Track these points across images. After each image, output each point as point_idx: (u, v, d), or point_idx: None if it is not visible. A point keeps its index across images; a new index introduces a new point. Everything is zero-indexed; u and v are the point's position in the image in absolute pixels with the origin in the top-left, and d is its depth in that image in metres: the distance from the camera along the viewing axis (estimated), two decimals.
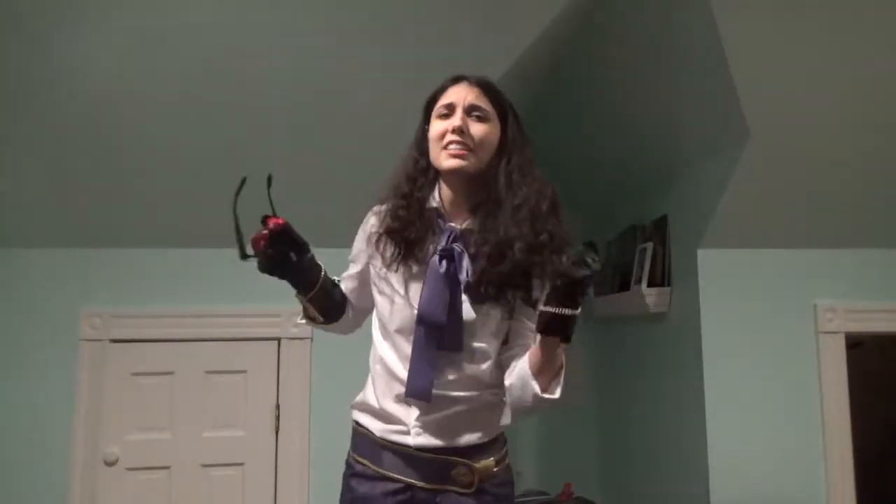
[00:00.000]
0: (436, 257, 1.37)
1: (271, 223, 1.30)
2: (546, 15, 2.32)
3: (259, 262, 1.33)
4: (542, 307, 1.20)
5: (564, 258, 1.19)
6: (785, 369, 2.57)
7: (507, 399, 1.37)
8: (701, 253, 2.57)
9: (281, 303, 2.71)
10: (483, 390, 1.39)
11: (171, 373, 2.79)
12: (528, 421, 3.49)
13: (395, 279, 1.40)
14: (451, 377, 1.36)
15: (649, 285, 2.80)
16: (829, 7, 2.10)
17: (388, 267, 1.40)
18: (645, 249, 2.88)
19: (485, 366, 1.38)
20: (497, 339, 1.39)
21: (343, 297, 1.53)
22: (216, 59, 2.31)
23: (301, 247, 1.37)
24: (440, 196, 1.43)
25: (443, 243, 1.38)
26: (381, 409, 1.40)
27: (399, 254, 1.39)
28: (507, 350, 1.40)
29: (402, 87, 2.11)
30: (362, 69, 2.37)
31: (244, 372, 2.84)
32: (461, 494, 1.36)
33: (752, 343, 2.56)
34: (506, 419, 1.45)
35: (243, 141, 2.49)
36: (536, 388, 1.27)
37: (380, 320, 1.45)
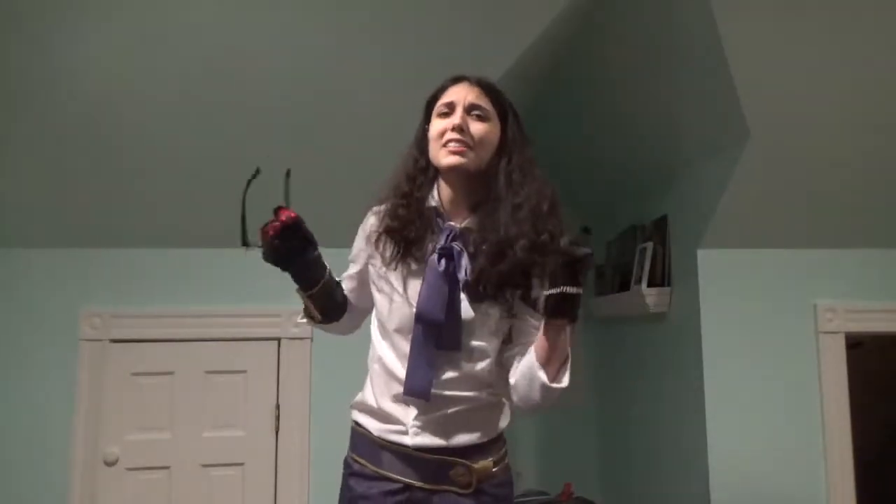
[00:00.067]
0: (435, 256, 1.37)
1: (284, 215, 1.31)
2: (546, 15, 2.32)
3: (264, 252, 1.33)
4: (546, 291, 1.21)
5: (564, 240, 1.21)
6: (785, 369, 2.57)
7: (514, 398, 1.36)
8: (701, 253, 2.57)
9: (281, 303, 2.75)
10: (482, 390, 1.39)
11: (171, 373, 2.79)
12: (528, 421, 3.49)
13: (394, 278, 1.40)
14: (449, 376, 1.35)
15: (649, 285, 2.80)
16: (829, 7, 2.10)
17: (387, 266, 1.40)
18: (645, 249, 2.88)
19: (483, 364, 1.37)
20: (496, 338, 1.39)
21: (344, 298, 1.53)
22: (216, 59, 2.31)
23: (309, 243, 1.37)
24: (439, 195, 1.43)
25: (442, 242, 1.38)
26: (380, 409, 1.40)
27: (398, 252, 1.39)
28: (509, 349, 1.40)
29: (402, 87, 2.11)
30: (362, 69, 2.37)
31: (244, 372, 2.84)
32: (459, 495, 1.36)
33: (752, 343, 2.56)
34: (505, 420, 1.46)
35: (243, 141, 2.49)
36: (544, 377, 1.27)
37: (379, 320, 1.45)
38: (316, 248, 1.40)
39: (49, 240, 2.72)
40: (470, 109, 1.39)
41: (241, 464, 2.80)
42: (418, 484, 1.36)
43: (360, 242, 1.51)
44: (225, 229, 2.70)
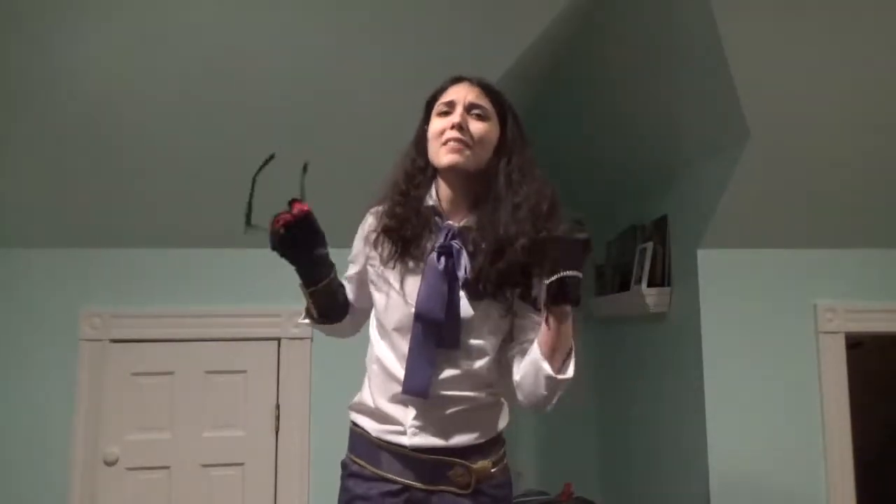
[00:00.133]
0: (434, 254, 1.37)
1: (296, 209, 1.32)
2: (546, 15, 2.32)
3: (271, 241, 1.33)
4: (545, 280, 1.22)
5: (562, 227, 1.23)
6: (785, 369, 2.57)
7: (520, 395, 1.36)
8: (701, 253, 2.57)
9: (281, 303, 2.75)
10: (481, 390, 1.39)
11: (171, 373, 2.79)
12: (529, 421, 3.49)
13: (393, 277, 1.40)
14: (448, 375, 1.35)
15: (649, 285, 2.80)
16: (829, 7, 2.10)
17: (385, 265, 1.41)
18: (645, 249, 2.88)
19: (482, 363, 1.37)
20: (495, 336, 1.39)
21: (346, 301, 1.53)
22: (216, 59, 2.31)
23: (317, 239, 1.37)
24: (437, 194, 1.43)
25: (440, 241, 1.38)
26: (377, 409, 1.40)
27: (396, 251, 1.40)
28: (510, 349, 1.40)
29: (402, 87, 2.11)
30: (362, 69, 2.37)
31: (244, 372, 2.84)
32: (458, 495, 1.36)
33: (752, 343, 2.56)
34: (503, 420, 1.45)
35: (243, 141, 2.49)
36: (549, 369, 1.26)
37: (378, 319, 1.45)
38: (324, 246, 1.40)
39: (49, 240, 2.72)
40: (470, 109, 1.39)
41: (241, 464, 2.80)
42: (417, 484, 1.36)
43: (358, 243, 1.51)
44: (225, 229, 2.73)
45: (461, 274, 1.35)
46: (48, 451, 2.65)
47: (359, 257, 1.51)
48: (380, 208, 1.46)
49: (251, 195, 1.32)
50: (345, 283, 1.55)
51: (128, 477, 2.71)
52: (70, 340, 2.72)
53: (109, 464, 2.70)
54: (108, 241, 2.75)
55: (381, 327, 1.43)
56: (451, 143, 1.36)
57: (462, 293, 1.35)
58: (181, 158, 2.55)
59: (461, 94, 1.40)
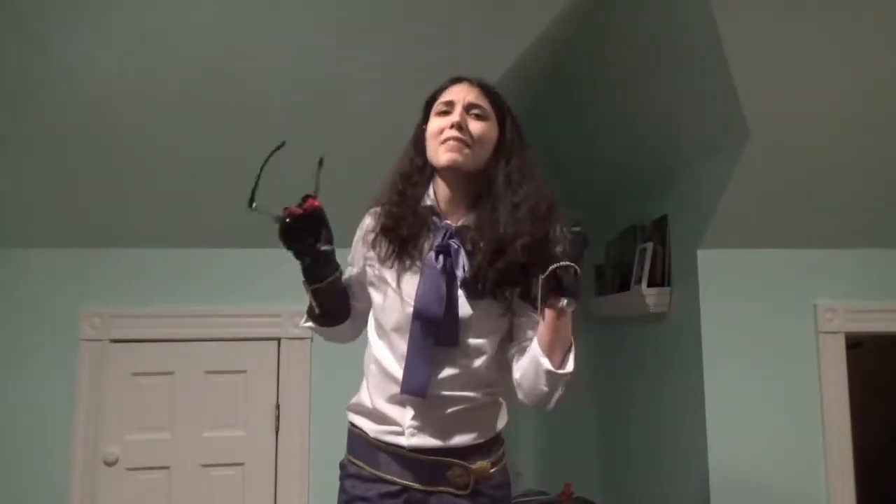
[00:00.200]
0: (432, 253, 1.37)
1: (307, 204, 1.34)
2: (546, 15, 2.32)
3: (280, 228, 1.34)
4: (542, 275, 1.23)
5: (558, 226, 1.25)
6: (785, 369, 2.57)
7: (520, 394, 1.36)
8: (701, 253, 2.57)
9: (281, 303, 2.75)
10: (479, 390, 1.39)
11: (171, 373, 2.79)
12: (529, 421, 3.49)
13: (391, 276, 1.40)
14: (446, 375, 1.35)
15: (649, 285, 2.80)
16: (829, 7, 2.10)
17: (383, 264, 1.41)
18: (645, 249, 2.88)
19: (480, 362, 1.37)
20: (494, 336, 1.39)
21: (348, 303, 1.51)
22: (216, 59, 2.31)
23: (323, 236, 1.38)
24: (435, 194, 1.43)
25: (438, 240, 1.38)
26: (375, 410, 1.40)
27: (394, 251, 1.40)
28: (510, 348, 1.40)
29: (402, 87, 2.10)
30: (362, 69, 2.37)
31: (244, 372, 2.84)
32: (456, 496, 1.35)
33: (752, 343, 2.56)
34: (502, 420, 1.45)
35: (243, 141, 2.49)
36: (548, 364, 1.26)
37: (376, 320, 1.45)
38: (330, 244, 1.39)
39: (49, 240, 2.71)
40: (469, 108, 1.39)
41: (241, 464, 2.80)
42: (415, 485, 1.36)
43: (357, 244, 1.51)
44: (225, 229, 2.73)
45: (459, 273, 1.35)
46: (48, 451, 2.65)
47: (357, 259, 1.51)
48: (377, 209, 1.46)
49: (258, 177, 1.34)
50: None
51: (128, 477, 2.71)
52: (70, 340, 2.72)
53: (109, 464, 2.70)
54: (108, 241, 2.75)
55: (380, 327, 1.43)
56: (451, 142, 1.36)
57: (461, 292, 1.35)
58: (181, 158, 2.55)
59: (460, 93, 1.40)
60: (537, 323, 1.31)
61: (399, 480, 1.36)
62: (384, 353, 1.41)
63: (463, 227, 1.39)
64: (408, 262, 1.39)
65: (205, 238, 2.75)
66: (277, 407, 2.84)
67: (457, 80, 1.44)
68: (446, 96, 1.42)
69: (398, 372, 1.36)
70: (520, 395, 1.36)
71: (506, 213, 1.35)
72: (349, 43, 2.31)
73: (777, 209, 2.51)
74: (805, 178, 2.43)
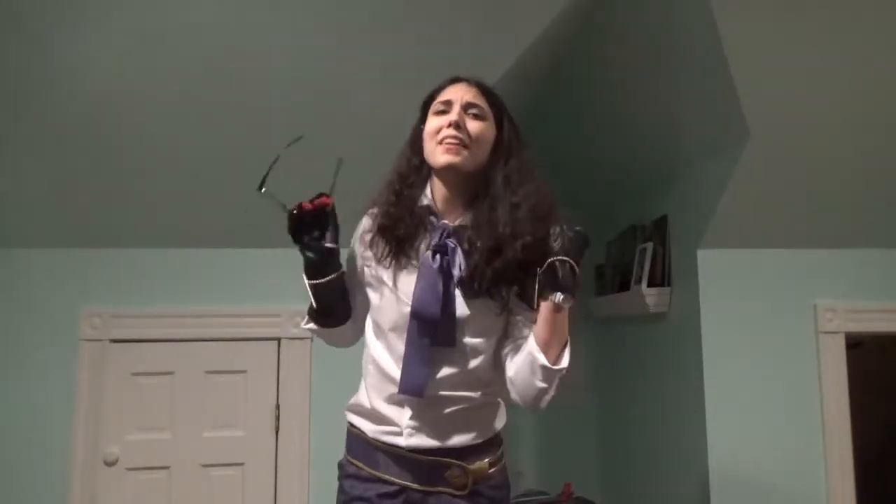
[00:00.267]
0: (429, 253, 1.37)
1: (318, 201, 1.37)
2: (546, 15, 2.31)
3: (288, 218, 1.36)
4: (539, 271, 1.25)
5: (558, 227, 1.28)
6: (785, 369, 2.57)
7: (513, 393, 1.36)
8: (701, 253, 2.57)
9: (281, 303, 2.75)
10: (477, 390, 1.39)
11: (171, 373, 2.79)
12: (528, 421, 3.49)
13: (388, 276, 1.40)
14: (444, 375, 1.35)
15: (649, 285, 2.80)
16: (829, 7, 2.10)
17: (380, 264, 1.41)
18: (645, 249, 2.88)
19: (477, 362, 1.37)
20: (491, 335, 1.39)
21: (348, 306, 1.50)
22: (216, 59, 2.31)
23: (327, 233, 1.38)
24: (432, 194, 1.43)
25: (435, 240, 1.38)
26: (374, 410, 1.40)
27: (391, 251, 1.40)
28: (505, 347, 1.40)
29: (402, 87, 2.10)
30: (362, 69, 2.37)
31: (244, 372, 2.84)
32: (455, 496, 1.35)
33: (752, 343, 2.56)
34: (501, 420, 1.45)
35: (243, 141, 2.49)
36: (544, 359, 1.27)
37: (374, 320, 1.45)
38: (336, 243, 1.40)
39: (49, 240, 2.71)
40: (467, 108, 1.39)
41: (241, 464, 2.80)
42: (414, 486, 1.36)
43: (355, 245, 1.51)
44: (225, 229, 2.73)
45: (456, 272, 1.35)
46: (48, 451, 2.65)
47: (355, 260, 1.50)
48: (375, 210, 1.46)
49: (272, 164, 1.38)
50: None
51: (128, 477, 2.71)
52: (70, 340, 2.72)
53: (109, 464, 2.70)
54: (108, 241, 2.75)
55: (378, 328, 1.43)
56: (448, 142, 1.36)
57: (457, 291, 1.35)
58: (181, 158, 2.55)
59: (458, 93, 1.40)
60: (534, 322, 1.32)
61: (397, 481, 1.36)
62: (382, 353, 1.41)
63: (460, 226, 1.39)
64: (405, 262, 1.39)
65: (205, 238, 2.75)
66: (277, 407, 2.84)
67: (455, 80, 1.44)
68: (444, 96, 1.42)
69: (396, 372, 1.36)
70: (512, 394, 1.36)
71: (504, 213, 1.34)
72: (349, 43, 2.31)
73: (777, 209, 2.51)
74: (805, 178, 2.43)
